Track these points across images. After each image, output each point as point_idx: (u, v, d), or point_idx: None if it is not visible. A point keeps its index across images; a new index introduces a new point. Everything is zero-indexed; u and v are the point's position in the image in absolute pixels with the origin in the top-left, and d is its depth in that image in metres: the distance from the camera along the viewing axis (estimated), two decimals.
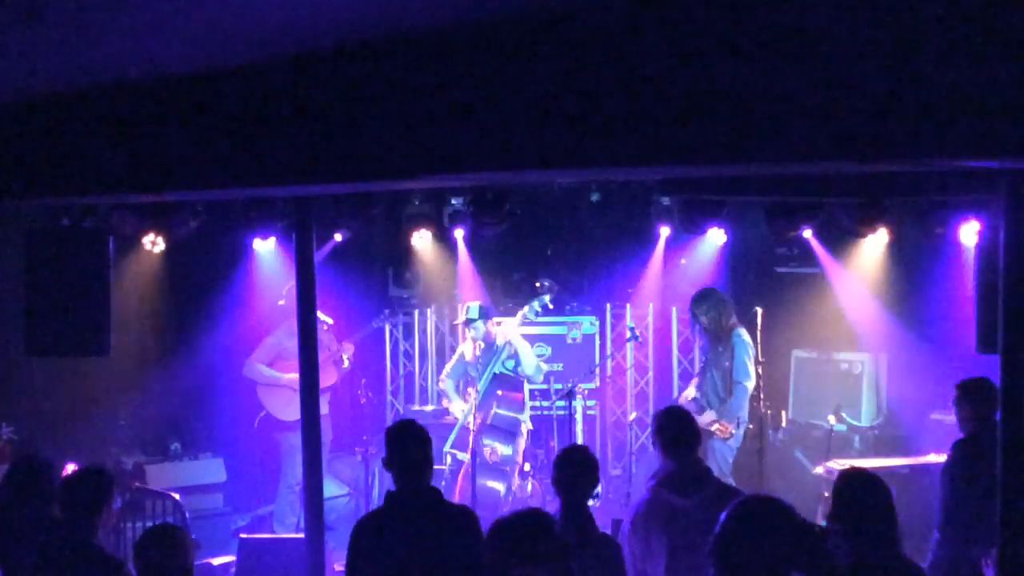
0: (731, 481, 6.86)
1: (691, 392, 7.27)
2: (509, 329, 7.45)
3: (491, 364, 7.38)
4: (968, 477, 5.04)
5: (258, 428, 7.64)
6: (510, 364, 7.44)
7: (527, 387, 7.56)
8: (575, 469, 4.06)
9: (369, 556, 3.88)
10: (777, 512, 2.67)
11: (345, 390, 7.84)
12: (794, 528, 2.61)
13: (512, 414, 7.33)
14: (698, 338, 7.51)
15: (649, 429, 8.49)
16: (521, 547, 3.08)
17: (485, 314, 7.44)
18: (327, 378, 7.45)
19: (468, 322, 7.49)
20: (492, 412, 7.27)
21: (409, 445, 3.97)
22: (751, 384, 6.97)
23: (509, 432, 7.31)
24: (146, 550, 3.63)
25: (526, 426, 7.51)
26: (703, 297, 7.14)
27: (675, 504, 4.11)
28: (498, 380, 7.34)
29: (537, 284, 7.55)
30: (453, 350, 9.10)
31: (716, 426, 6.85)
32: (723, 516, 2.66)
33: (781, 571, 2.58)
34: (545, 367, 7.57)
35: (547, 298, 7.33)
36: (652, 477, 4.46)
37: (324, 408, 7.55)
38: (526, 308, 7.34)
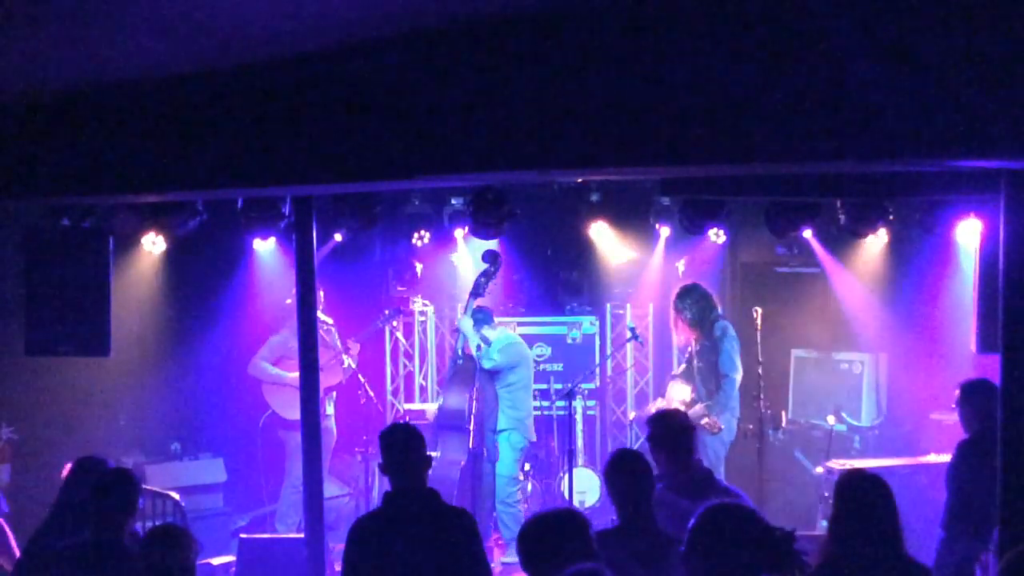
0: (720, 476, 6.88)
1: (683, 394, 7.25)
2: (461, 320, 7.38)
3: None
4: (972, 477, 5.04)
5: (262, 428, 7.63)
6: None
7: (516, 384, 7.47)
8: (636, 476, 3.96)
9: (366, 557, 3.88)
10: (744, 517, 2.74)
11: (346, 390, 7.84)
12: (760, 532, 2.68)
13: (458, 407, 7.21)
14: (677, 335, 7.49)
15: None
16: (550, 545, 3.14)
17: (486, 319, 7.44)
18: (332, 378, 7.44)
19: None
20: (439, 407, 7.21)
21: (402, 446, 3.98)
22: (738, 376, 7.03)
23: (455, 427, 7.16)
24: (149, 550, 3.66)
25: (514, 431, 7.41)
26: (686, 292, 7.22)
27: (683, 506, 4.13)
28: (454, 369, 7.29)
29: (483, 255, 7.46)
30: (453, 350, 9.10)
31: (705, 420, 6.87)
32: (691, 524, 2.74)
33: (753, 572, 2.64)
34: (489, 351, 7.22)
35: (492, 269, 7.28)
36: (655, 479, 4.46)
37: (329, 408, 7.56)
38: (475, 283, 7.30)
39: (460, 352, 7.31)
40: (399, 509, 3.91)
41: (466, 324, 7.26)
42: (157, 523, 6.30)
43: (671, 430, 4.46)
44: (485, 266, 7.31)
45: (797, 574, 2.64)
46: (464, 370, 7.25)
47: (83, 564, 4.02)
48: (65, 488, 4.59)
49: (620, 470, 3.99)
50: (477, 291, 7.28)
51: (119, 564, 4.00)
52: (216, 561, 6.29)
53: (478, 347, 7.19)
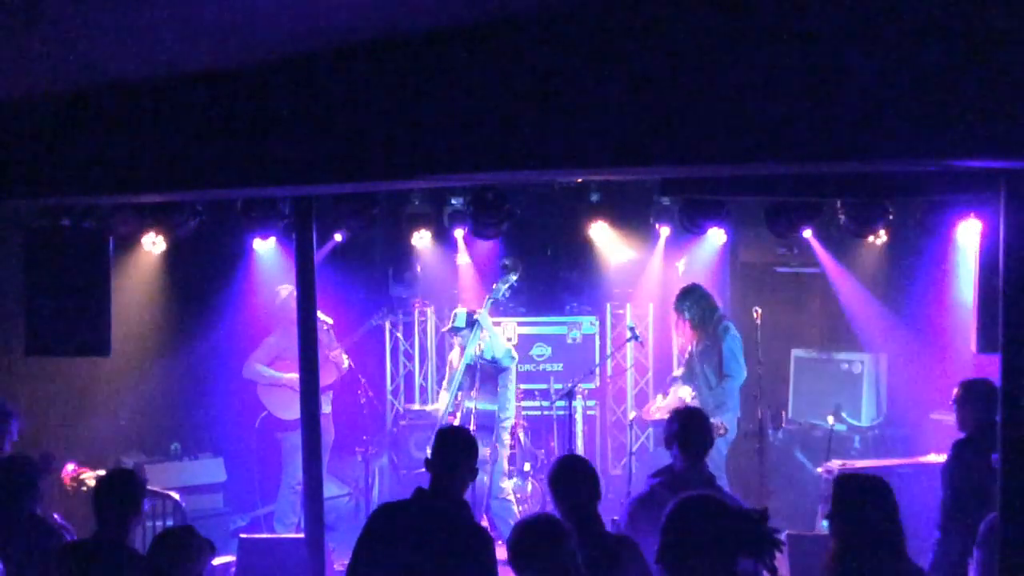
0: (723, 475, 6.89)
1: (685, 394, 7.26)
2: (480, 314, 7.39)
3: (464, 354, 7.31)
4: (968, 477, 5.04)
5: (259, 428, 7.63)
6: (488, 352, 7.32)
7: (511, 380, 7.48)
8: (575, 479, 3.97)
9: (378, 548, 3.86)
10: (714, 504, 2.79)
11: (345, 390, 7.84)
12: (733, 515, 2.73)
13: (487, 407, 7.18)
14: (677, 335, 7.49)
15: (650, 428, 8.53)
16: (525, 549, 3.26)
17: (472, 321, 7.44)
18: (326, 377, 7.44)
19: (455, 330, 7.49)
20: (469, 408, 7.20)
21: (449, 449, 3.98)
22: (740, 377, 7.02)
23: (485, 427, 7.12)
24: (155, 555, 3.65)
25: (509, 420, 7.39)
26: (687, 293, 7.22)
27: None
28: (470, 371, 7.25)
29: (503, 264, 7.47)
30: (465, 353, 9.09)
31: (711, 421, 6.87)
32: (665, 514, 2.78)
33: (728, 557, 2.68)
34: (515, 352, 7.32)
35: (513, 277, 7.28)
36: (654, 475, 4.47)
37: (326, 408, 7.55)
38: (494, 288, 7.31)
39: (477, 353, 7.31)
40: (423, 507, 3.89)
41: (487, 321, 7.24)
42: (157, 523, 6.34)
43: (689, 426, 4.50)
44: (509, 275, 7.30)
45: (769, 561, 2.67)
46: (484, 371, 7.26)
47: (86, 567, 4.01)
48: None
49: (563, 482, 3.98)
50: (495, 296, 7.30)
51: (126, 567, 3.99)
52: (216, 561, 6.28)
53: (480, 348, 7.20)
